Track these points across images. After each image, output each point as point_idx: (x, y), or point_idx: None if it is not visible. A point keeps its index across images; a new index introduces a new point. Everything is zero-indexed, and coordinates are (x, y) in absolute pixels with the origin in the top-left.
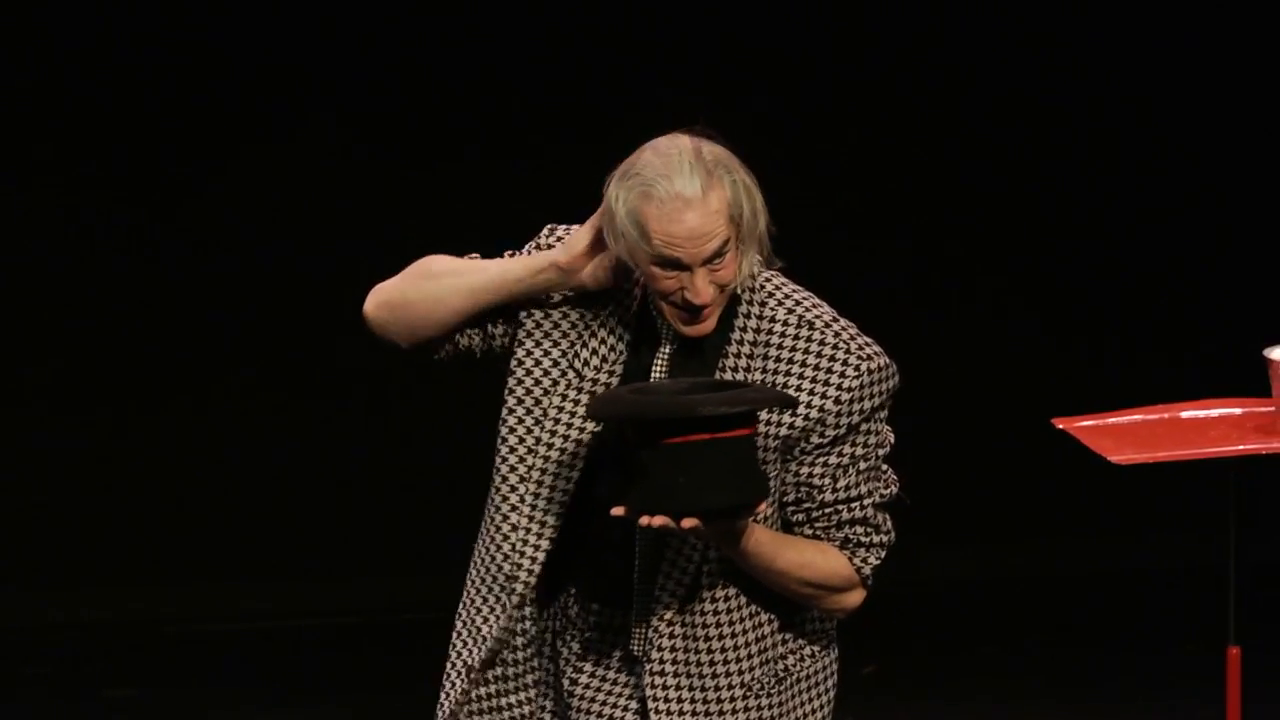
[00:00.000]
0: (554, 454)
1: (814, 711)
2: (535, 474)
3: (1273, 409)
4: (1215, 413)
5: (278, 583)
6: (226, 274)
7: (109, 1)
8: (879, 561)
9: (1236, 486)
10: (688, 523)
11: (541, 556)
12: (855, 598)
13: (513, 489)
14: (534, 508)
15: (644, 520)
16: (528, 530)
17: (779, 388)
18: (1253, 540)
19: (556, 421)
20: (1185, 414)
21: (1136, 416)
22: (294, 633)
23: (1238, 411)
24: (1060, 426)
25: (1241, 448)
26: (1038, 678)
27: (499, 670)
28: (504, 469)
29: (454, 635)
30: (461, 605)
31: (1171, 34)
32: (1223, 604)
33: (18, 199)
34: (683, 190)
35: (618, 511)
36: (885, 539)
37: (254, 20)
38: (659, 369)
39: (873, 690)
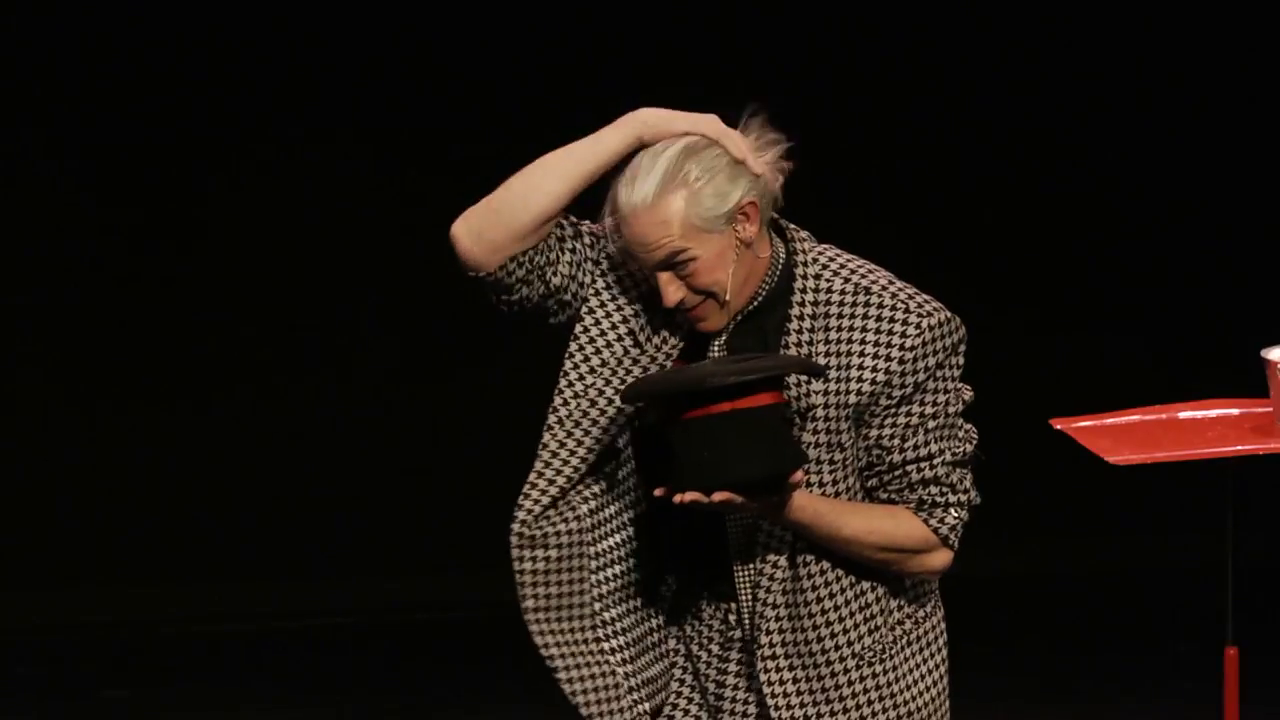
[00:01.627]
0: (591, 410)
1: (931, 671)
2: (568, 424)
3: (1270, 409)
4: (1213, 413)
5: (278, 583)
6: (228, 276)
7: (115, 7)
8: (958, 521)
9: (1234, 487)
10: (719, 496)
11: (546, 501)
12: (939, 559)
13: (545, 439)
14: (554, 454)
15: (676, 498)
16: (540, 474)
17: (843, 356)
18: (1250, 540)
19: (607, 382)
20: (1183, 414)
21: (1134, 417)
22: (294, 633)
23: (1235, 412)
24: (1058, 427)
25: (1239, 448)
26: (1035, 677)
27: (645, 655)
28: (548, 420)
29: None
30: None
31: (1174, 35)
32: (1221, 604)
33: (21, 201)
34: (630, 197)
35: (659, 492)
36: (963, 498)
37: (259, 28)
38: (716, 348)
39: None
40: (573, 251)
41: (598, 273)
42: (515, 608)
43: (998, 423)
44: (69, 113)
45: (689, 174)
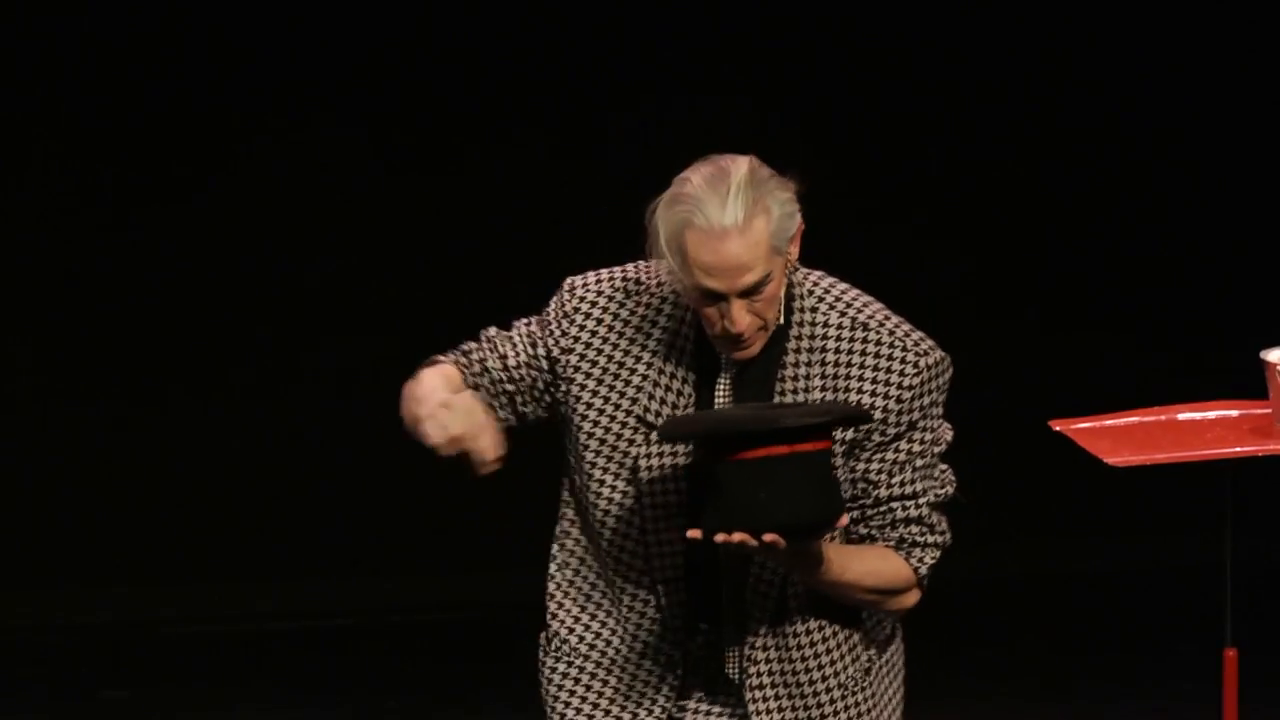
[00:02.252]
0: (658, 511)
1: (897, 692)
2: (643, 536)
3: (1269, 411)
4: (1212, 414)
5: (278, 583)
6: (227, 274)
7: (111, 1)
8: (935, 561)
9: (1233, 488)
10: (768, 537)
11: (684, 625)
12: (911, 599)
13: (631, 556)
14: (653, 577)
15: (720, 537)
16: (662, 601)
17: (839, 392)
18: (1250, 542)
19: (649, 481)
20: (1182, 416)
21: (1133, 418)
22: (294, 633)
23: (1234, 413)
24: (1057, 428)
25: (1238, 449)
26: (1033, 678)
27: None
28: (606, 533)
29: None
30: (583, 679)
31: (1173, 35)
32: (1220, 606)
33: (19, 199)
34: (722, 220)
35: (694, 534)
36: (941, 539)
37: (260, 23)
38: (721, 394)
39: None
40: (526, 383)
41: (571, 371)
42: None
43: (998, 423)
44: (70, 110)
45: (763, 196)
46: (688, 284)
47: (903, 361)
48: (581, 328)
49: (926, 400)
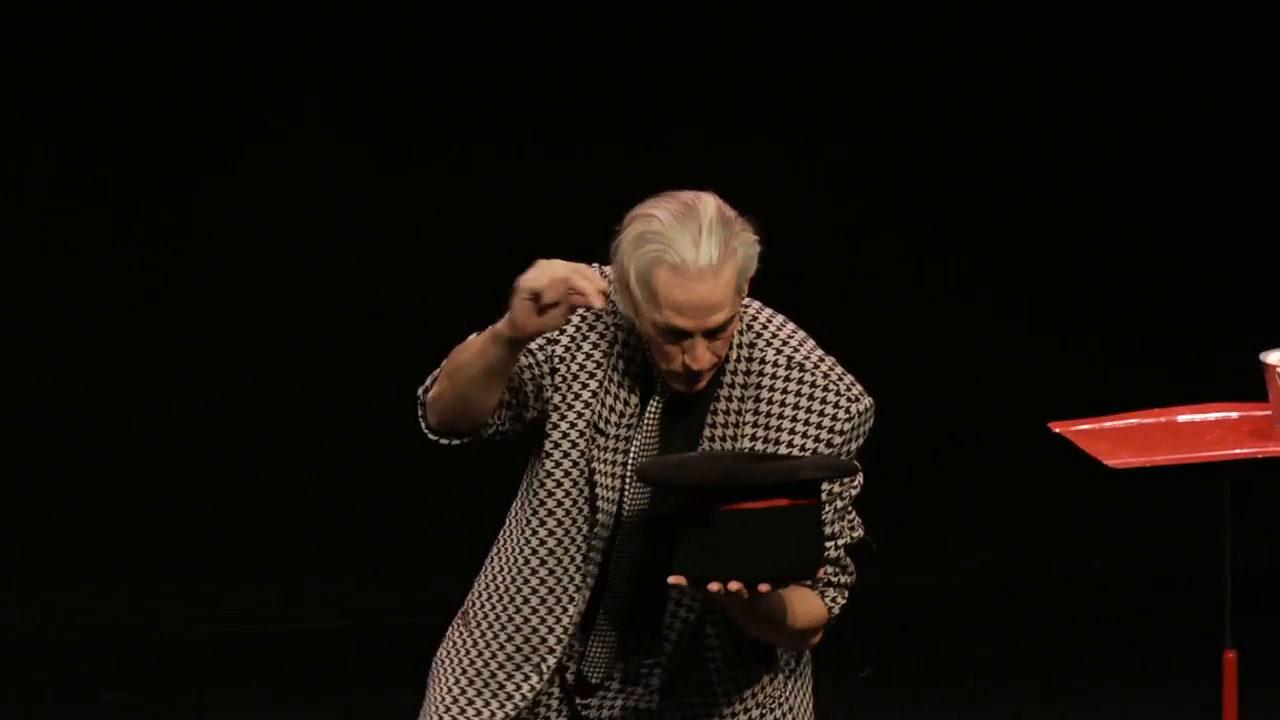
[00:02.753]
0: (590, 517)
1: (809, 695)
2: (572, 535)
3: (1269, 413)
4: (1211, 416)
5: (277, 583)
6: (224, 274)
7: (103, 3)
8: (845, 602)
9: (1233, 490)
10: (764, 587)
11: (575, 623)
12: (818, 638)
13: (550, 549)
14: (566, 571)
15: (714, 586)
16: (564, 592)
17: (771, 430)
18: (1249, 544)
19: (592, 486)
20: (1181, 418)
21: (1133, 420)
22: (293, 633)
23: (1234, 415)
24: (1057, 430)
25: (1238, 451)
26: (1033, 681)
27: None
28: (548, 525)
29: (448, 669)
30: (461, 640)
31: (1170, 36)
32: (1219, 607)
33: (16, 201)
34: (697, 260)
35: (677, 580)
36: (851, 580)
37: (248, 21)
38: (651, 416)
39: (868, 693)
40: (519, 388)
41: (550, 386)
42: None
43: (998, 424)
44: (70, 110)
45: (731, 237)
46: (655, 320)
47: (835, 406)
48: (568, 321)
49: (853, 445)
